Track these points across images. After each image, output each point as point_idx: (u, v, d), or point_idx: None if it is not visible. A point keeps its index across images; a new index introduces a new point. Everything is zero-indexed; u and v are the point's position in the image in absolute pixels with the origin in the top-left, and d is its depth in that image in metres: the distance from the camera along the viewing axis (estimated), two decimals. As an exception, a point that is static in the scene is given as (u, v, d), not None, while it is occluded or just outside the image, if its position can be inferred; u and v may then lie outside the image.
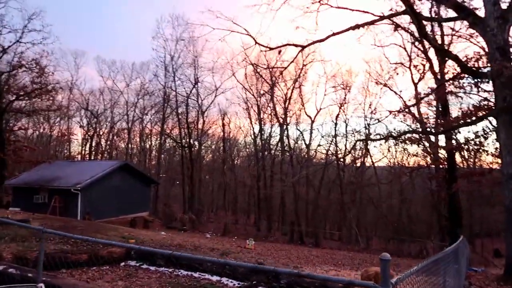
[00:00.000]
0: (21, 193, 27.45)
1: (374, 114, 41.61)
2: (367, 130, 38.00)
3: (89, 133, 52.31)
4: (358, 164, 40.42)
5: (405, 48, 28.76)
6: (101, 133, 53.76)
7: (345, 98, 40.49)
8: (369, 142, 31.80)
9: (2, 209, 23.33)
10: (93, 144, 52.90)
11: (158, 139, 49.45)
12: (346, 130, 40.48)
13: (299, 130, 43.40)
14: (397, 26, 12.73)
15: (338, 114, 40.46)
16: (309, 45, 12.57)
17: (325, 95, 43.65)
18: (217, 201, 53.45)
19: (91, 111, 51.78)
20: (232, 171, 49.19)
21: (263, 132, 44.36)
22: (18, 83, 26.19)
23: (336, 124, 40.47)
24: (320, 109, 42.08)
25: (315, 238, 31.27)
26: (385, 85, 30.60)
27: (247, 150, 53.63)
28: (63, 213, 24.95)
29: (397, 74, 28.98)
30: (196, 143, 44.33)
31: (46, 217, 15.74)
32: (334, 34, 11.94)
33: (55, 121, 52.43)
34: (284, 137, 42.62)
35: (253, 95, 43.07)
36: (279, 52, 14.46)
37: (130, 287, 6.82)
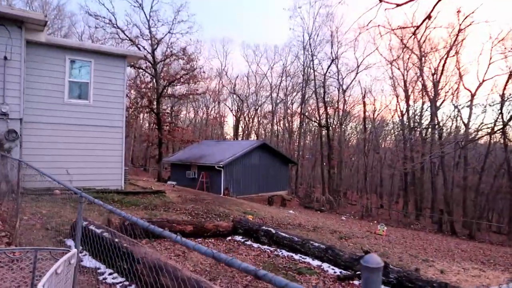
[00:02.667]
0: (176, 168, 31.11)
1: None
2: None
3: (237, 116, 56.10)
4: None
5: None
6: (247, 115, 57.07)
7: (517, 64, 33.24)
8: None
9: (162, 182, 26.83)
10: (241, 125, 56.57)
11: (299, 120, 49.90)
12: (517, 104, 33.30)
13: (455, 106, 37.73)
14: None
15: (506, 85, 33.53)
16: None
17: (489, 63, 36.69)
18: (360, 183, 51.28)
19: (239, 95, 55.36)
20: (377, 152, 46.31)
21: (412, 110, 40.24)
22: (170, 70, 29.44)
23: (503, 98, 33.65)
24: (483, 80, 35.55)
25: (470, 230, 26.86)
26: None
27: (394, 130, 49.74)
28: (209, 188, 27.27)
29: None
30: (337, 123, 42.97)
31: (184, 190, 17.19)
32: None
33: (210, 105, 58.17)
34: (438, 115, 37.68)
35: (398, 69, 39.27)
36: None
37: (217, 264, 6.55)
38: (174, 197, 13.68)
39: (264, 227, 8.52)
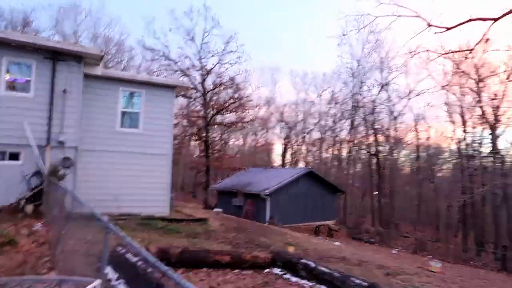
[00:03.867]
0: (223, 196, 31.39)
1: None
2: None
3: (284, 143, 56.10)
4: None
5: None
6: (295, 142, 56.88)
7: None
8: None
9: (208, 209, 27.14)
10: (288, 153, 56.40)
11: (349, 147, 48.87)
12: None
13: (519, 133, 35.10)
14: None
15: None
16: (504, 15, 9.65)
17: (557, 86, 34.01)
18: (413, 214, 48.58)
19: (287, 122, 55.51)
20: (432, 182, 43.86)
21: (470, 138, 37.96)
22: (219, 99, 30.33)
23: None
24: (550, 105, 32.95)
25: (541, 270, 24.19)
26: None
27: (451, 158, 47.06)
28: (254, 216, 27.09)
29: None
30: (388, 151, 41.54)
31: (228, 218, 17.19)
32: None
33: (258, 133, 58.76)
34: (500, 142, 35.26)
35: (454, 94, 37.49)
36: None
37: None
38: (217, 225, 13.72)
39: (303, 260, 8.22)
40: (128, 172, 12.69)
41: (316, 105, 55.03)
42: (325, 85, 56.70)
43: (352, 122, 43.58)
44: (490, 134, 35.10)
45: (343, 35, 28.21)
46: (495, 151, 35.46)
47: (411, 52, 12.38)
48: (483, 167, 35.79)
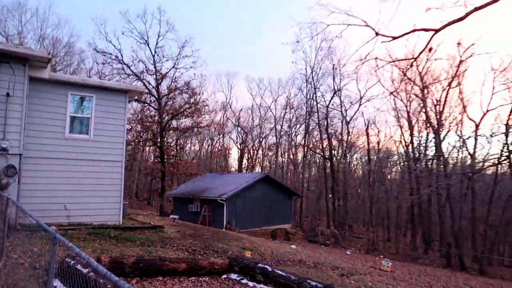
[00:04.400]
0: (179, 202, 30.89)
1: None
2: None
3: (241, 148, 56.32)
4: (544, 176, 32.42)
5: None
6: (251, 147, 57.27)
7: (520, 95, 33.29)
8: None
9: (164, 216, 26.56)
10: (245, 158, 56.67)
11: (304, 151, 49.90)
12: (523, 135, 33.04)
13: (459, 136, 37.52)
14: None
15: (510, 115, 33.41)
16: (444, 27, 10.28)
17: (492, 94, 36.77)
18: (366, 216, 50.46)
19: (243, 127, 55.79)
20: (383, 184, 45.82)
21: (416, 141, 40.12)
22: (174, 104, 29.91)
23: (508, 128, 33.46)
24: (487, 111, 35.51)
25: (480, 264, 26.01)
26: None
27: (400, 161, 49.42)
28: (212, 222, 26.91)
29: None
30: (341, 154, 42.90)
31: (184, 225, 16.93)
32: (476, 9, 9.54)
33: (215, 138, 58.50)
34: (444, 146, 37.46)
35: (401, 100, 39.48)
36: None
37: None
38: (173, 232, 13.46)
39: (260, 265, 8.27)
40: (78, 180, 12.14)
41: (272, 110, 55.83)
42: (281, 90, 57.85)
43: (307, 127, 44.58)
44: (434, 137, 37.35)
45: (297, 42, 28.92)
46: (439, 154, 37.74)
47: (361, 60, 12.85)
48: (428, 169, 37.97)
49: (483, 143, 63.80)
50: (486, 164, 37.50)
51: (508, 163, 33.75)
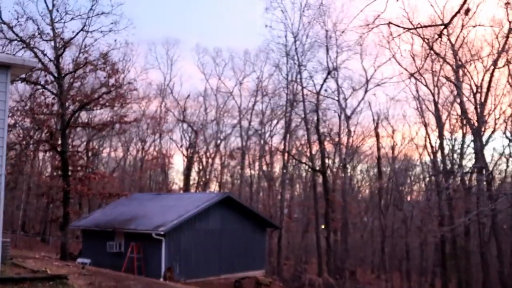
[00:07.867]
0: (92, 238, 30.21)
1: None
2: None
3: (188, 155, 55.92)
4: None
5: None
6: (204, 154, 57.02)
7: None
8: None
9: (67, 260, 25.83)
10: (194, 169, 56.34)
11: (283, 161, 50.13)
12: None
13: (509, 140, 38.76)
14: None
15: None
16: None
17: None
18: (375, 257, 51.26)
19: (191, 123, 55.43)
20: (400, 209, 46.74)
21: (447, 147, 41.18)
22: (84, 87, 29.20)
23: None
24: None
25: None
26: None
27: (423, 176, 50.59)
28: (142, 268, 26.43)
29: None
30: (338, 165, 43.43)
31: (100, 273, 16.54)
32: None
33: (148, 140, 57.75)
34: (486, 153, 38.53)
35: (426, 85, 40.29)
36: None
37: None
38: (81, 286, 13.06)
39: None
40: None
41: (235, 97, 55.76)
42: (248, 68, 57.65)
43: (287, 124, 44.78)
44: (473, 141, 38.11)
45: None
46: (480, 164, 38.70)
47: (367, 25, 12.79)
48: (466, 188, 38.78)
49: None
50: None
51: None
